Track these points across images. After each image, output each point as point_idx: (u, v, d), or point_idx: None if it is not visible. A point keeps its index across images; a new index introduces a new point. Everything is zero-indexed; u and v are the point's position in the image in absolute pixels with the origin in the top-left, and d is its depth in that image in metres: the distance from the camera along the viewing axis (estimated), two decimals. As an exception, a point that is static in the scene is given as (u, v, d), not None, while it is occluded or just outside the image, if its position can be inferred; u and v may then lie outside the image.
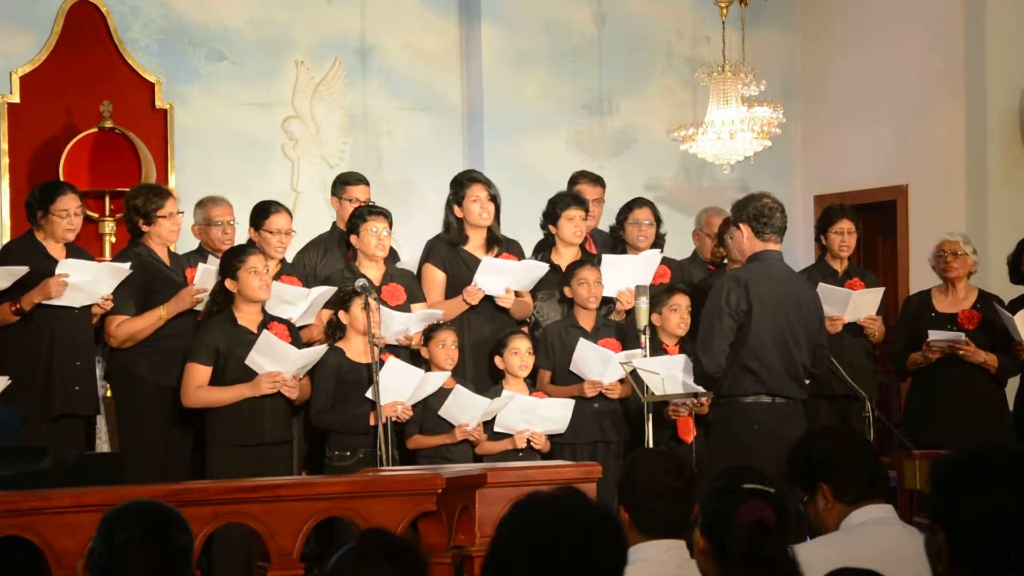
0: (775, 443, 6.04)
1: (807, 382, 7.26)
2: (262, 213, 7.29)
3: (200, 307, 6.90)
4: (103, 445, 7.32)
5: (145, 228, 7.00)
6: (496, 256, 7.42)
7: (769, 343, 6.26)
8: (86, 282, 6.70)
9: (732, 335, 6.28)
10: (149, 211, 6.99)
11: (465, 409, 6.86)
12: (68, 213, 6.80)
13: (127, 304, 6.87)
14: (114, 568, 3.07)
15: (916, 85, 10.10)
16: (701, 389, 6.71)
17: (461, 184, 7.49)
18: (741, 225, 6.40)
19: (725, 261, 7.82)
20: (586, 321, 7.35)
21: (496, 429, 7.00)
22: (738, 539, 3.28)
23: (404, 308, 7.16)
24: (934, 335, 7.65)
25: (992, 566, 2.58)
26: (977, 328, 7.73)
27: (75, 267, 6.71)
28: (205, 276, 6.88)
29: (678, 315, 7.31)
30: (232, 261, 6.70)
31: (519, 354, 7.09)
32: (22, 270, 6.64)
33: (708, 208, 8.53)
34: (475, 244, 7.46)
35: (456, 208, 7.46)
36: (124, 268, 6.83)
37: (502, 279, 7.25)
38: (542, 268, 7.37)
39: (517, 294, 7.34)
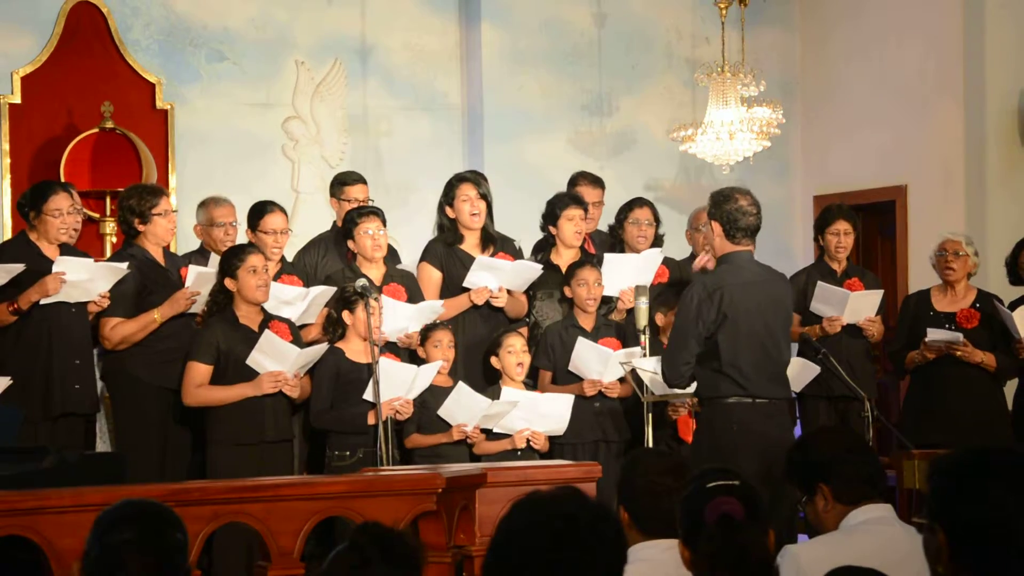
0: (756, 441, 6.01)
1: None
2: (257, 214, 7.31)
3: (196, 308, 6.90)
4: (102, 444, 7.31)
5: (141, 227, 6.98)
6: (492, 255, 7.43)
7: (745, 348, 6.15)
8: (83, 280, 6.70)
9: (700, 347, 6.18)
10: (144, 210, 6.98)
11: (466, 408, 6.85)
12: (61, 212, 6.76)
13: (122, 306, 6.86)
14: (109, 569, 3.06)
15: (915, 85, 10.11)
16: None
17: (451, 185, 7.52)
18: (713, 223, 6.36)
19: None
20: (586, 321, 7.35)
21: (495, 428, 6.99)
22: (709, 537, 3.25)
23: (403, 310, 7.16)
24: (932, 334, 7.63)
25: (992, 566, 2.59)
26: (976, 327, 7.73)
27: (72, 265, 6.70)
28: (199, 279, 6.87)
29: None
30: (232, 260, 6.71)
31: (514, 352, 7.08)
32: (18, 267, 6.63)
33: (700, 207, 8.50)
34: (470, 243, 7.47)
35: (448, 209, 7.48)
36: (121, 268, 6.82)
37: (495, 278, 7.26)
38: (535, 269, 7.37)
39: (510, 293, 7.35)
